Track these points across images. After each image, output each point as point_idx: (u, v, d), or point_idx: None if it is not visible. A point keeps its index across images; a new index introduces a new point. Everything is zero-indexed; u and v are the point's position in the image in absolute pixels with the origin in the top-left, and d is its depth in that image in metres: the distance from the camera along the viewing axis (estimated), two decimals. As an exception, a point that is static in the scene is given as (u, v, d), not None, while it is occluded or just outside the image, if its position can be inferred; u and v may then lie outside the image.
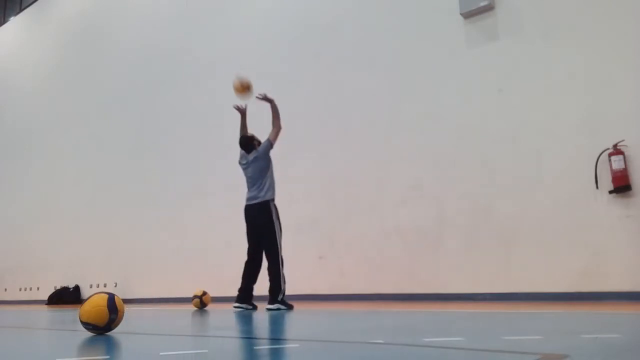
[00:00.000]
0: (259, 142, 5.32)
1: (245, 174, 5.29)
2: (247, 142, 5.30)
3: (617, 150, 4.92)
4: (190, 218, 8.87)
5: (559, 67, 5.47)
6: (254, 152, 5.22)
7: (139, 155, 10.23)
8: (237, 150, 8.52)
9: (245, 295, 5.04)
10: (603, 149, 5.01)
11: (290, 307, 4.88)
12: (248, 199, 5.20)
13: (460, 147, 6.03)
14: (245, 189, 5.28)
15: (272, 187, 5.15)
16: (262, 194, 5.08)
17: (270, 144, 5.19)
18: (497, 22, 5.99)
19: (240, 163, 5.37)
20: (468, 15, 6.14)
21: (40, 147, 12.73)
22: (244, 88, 5.08)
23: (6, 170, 13.64)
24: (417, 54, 6.62)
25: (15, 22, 15.04)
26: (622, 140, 4.93)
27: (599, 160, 5.04)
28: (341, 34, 7.52)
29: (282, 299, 4.87)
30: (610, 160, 4.94)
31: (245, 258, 5.25)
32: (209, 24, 9.53)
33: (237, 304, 5.01)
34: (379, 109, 6.85)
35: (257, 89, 8.46)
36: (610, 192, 4.94)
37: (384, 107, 6.80)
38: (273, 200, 5.12)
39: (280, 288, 4.87)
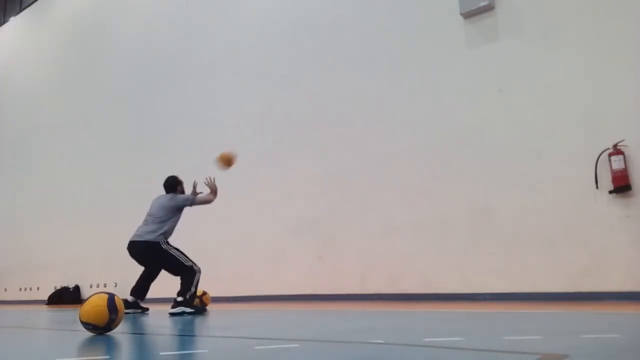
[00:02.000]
0: (183, 191, 5.35)
1: (150, 209, 5.24)
2: (172, 185, 5.31)
3: (617, 150, 4.92)
4: (189, 218, 8.85)
5: (559, 67, 5.47)
6: (172, 195, 5.21)
7: (139, 155, 10.22)
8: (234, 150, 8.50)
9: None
10: (603, 149, 5.01)
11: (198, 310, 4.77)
12: (136, 235, 5.10)
13: (460, 147, 6.02)
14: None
15: (167, 233, 5.11)
16: (154, 234, 5.00)
17: (191, 203, 5.15)
18: (497, 22, 5.99)
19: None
20: (468, 15, 6.14)
21: (41, 147, 12.73)
22: (229, 163, 5.06)
23: (6, 171, 13.64)
24: (417, 54, 6.62)
25: (15, 22, 15.03)
26: (622, 140, 4.93)
27: (599, 160, 5.04)
28: (341, 34, 7.52)
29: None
30: (610, 160, 4.94)
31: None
32: (209, 24, 9.52)
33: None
34: (379, 109, 6.85)
35: (257, 89, 8.52)
36: (610, 192, 4.94)
37: (384, 107, 6.80)
38: (164, 242, 5.07)
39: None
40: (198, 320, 4.02)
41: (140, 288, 5.17)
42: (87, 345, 2.34)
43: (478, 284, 5.58)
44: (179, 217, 5.23)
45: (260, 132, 8.21)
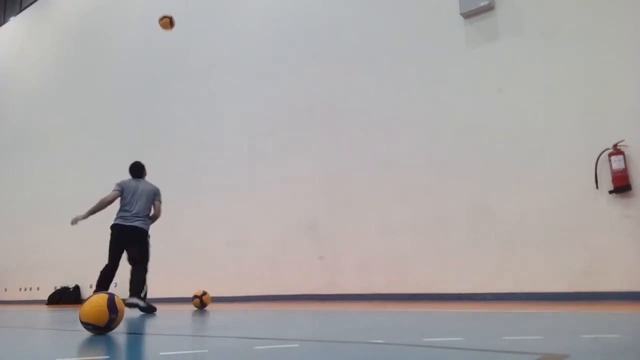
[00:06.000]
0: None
1: (134, 196, 5.53)
2: (142, 169, 5.69)
3: (617, 150, 4.92)
4: (189, 218, 8.87)
5: (559, 67, 5.47)
6: (157, 190, 5.58)
7: (138, 154, 10.13)
8: (234, 150, 8.51)
9: None
10: (603, 149, 5.01)
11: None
12: (131, 219, 5.46)
13: (460, 146, 6.03)
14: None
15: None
16: (147, 223, 5.49)
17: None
18: (497, 22, 5.99)
19: (127, 186, 5.57)
20: (468, 15, 6.14)
21: (40, 147, 12.73)
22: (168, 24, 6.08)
23: (6, 170, 13.64)
24: (417, 54, 6.62)
25: (15, 22, 15.04)
26: (622, 140, 4.93)
27: (599, 160, 5.04)
28: (341, 34, 7.52)
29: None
30: (610, 160, 4.94)
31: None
32: (208, 24, 9.52)
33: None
34: (379, 109, 6.85)
35: (257, 89, 8.52)
36: (610, 192, 4.94)
37: (384, 106, 6.81)
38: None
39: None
40: (198, 320, 4.02)
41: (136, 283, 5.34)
42: (87, 345, 2.34)
43: (478, 284, 5.58)
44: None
45: (260, 132, 8.22)
